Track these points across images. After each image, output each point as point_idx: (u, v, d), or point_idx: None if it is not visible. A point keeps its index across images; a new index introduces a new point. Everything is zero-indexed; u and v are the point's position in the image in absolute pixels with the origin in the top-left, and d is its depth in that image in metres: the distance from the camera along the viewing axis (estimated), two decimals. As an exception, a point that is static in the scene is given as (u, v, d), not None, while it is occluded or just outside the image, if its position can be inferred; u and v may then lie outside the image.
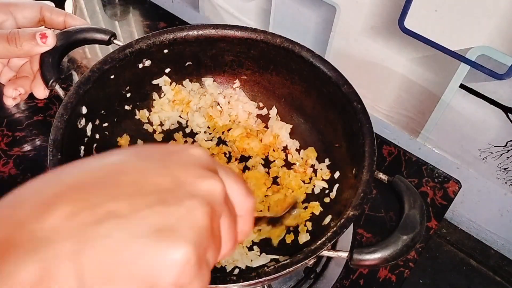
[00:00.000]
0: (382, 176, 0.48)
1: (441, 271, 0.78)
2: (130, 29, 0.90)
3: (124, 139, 0.60)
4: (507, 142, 0.64)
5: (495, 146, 0.66)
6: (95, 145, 0.57)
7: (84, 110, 0.54)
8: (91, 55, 0.85)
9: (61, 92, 0.53)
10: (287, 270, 0.41)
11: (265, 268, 0.41)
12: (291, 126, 0.63)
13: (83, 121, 0.54)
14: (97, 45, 0.87)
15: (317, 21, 0.72)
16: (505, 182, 0.69)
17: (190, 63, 0.63)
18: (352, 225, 0.55)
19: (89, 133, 0.56)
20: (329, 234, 0.44)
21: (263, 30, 0.58)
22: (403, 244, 0.41)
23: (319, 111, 0.60)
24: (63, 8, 0.89)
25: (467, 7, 0.54)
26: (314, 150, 0.60)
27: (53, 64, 0.54)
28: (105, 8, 0.94)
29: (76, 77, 0.79)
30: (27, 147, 0.71)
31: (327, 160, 0.59)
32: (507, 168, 0.67)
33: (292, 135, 0.63)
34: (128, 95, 0.61)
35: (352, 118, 0.52)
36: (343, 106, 0.54)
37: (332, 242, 0.43)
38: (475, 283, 0.77)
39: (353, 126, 0.52)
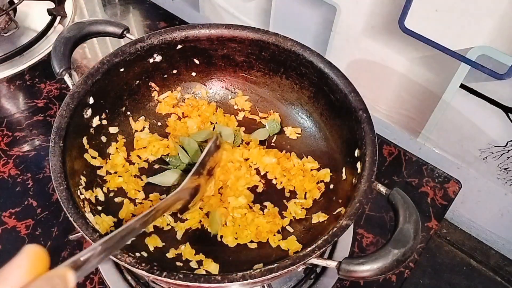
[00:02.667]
0: (380, 187, 0.48)
1: (442, 271, 0.78)
2: (130, 29, 0.90)
3: (139, 125, 0.62)
4: (507, 142, 0.64)
5: (495, 146, 0.65)
6: (100, 136, 0.57)
7: (91, 100, 0.54)
8: (91, 55, 0.85)
9: (69, 82, 0.54)
10: (273, 274, 0.41)
11: (251, 271, 0.41)
12: (299, 129, 0.63)
13: (89, 112, 0.55)
14: (97, 45, 0.87)
15: (317, 21, 0.72)
16: (506, 182, 0.69)
17: (201, 61, 0.63)
18: (352, 225, 0.55)
19: (94, 124, 0.56)
20: (319, 242, 0.43)
21: (275, 32, 0.58)
22: (393, 259, 0.41)
23: (327, 117, 0.60)
24: (63, 8, 0.89)
25: (467, 7, 0.54)
26: (315, 160, 0.60)
27: (64, 53, 0.55)
28: (105, 8, 0.94)
29: (76, 77, 0.79)
30: (27, 147, 0.71)
31: (327, 168, 0.59)
32: (507, 168, 0.67)
33: (298, 140, 0.63)
34: (137, 89, 0.61)
35: (357, 127, 0.52)
36: (349, 114, 0.54)
37: (321, 250, 0.43)
38: (476, 283, 0.77)
39: (357, 134, 0.52)
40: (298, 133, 0.63)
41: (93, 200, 0.52)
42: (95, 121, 0.56)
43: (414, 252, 0.42)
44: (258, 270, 0.41)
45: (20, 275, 0.27)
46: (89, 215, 0.47)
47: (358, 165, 0.50)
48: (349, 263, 0.41)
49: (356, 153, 0.52)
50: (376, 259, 0.41)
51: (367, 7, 0.64)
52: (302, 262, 0.42)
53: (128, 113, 0.61)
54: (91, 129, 0.56)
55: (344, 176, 0.55)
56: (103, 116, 0.58)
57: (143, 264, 0.41)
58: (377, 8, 0.63)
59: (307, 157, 0.60)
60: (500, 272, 0.79)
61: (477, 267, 0.79)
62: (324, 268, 0.61)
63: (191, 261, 0.51)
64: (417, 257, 0.63)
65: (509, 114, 0.60)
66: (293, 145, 0.62)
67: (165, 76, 0.63)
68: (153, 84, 0.63)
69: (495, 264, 0.80)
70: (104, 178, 0.56)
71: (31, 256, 0.28)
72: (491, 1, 0.52)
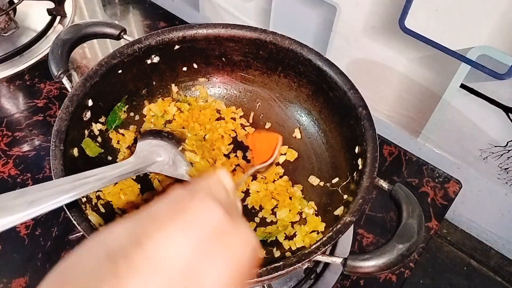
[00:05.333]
0: (382, 183, 0.48)
1: (442, 271, 0.78)
2: (130, 29, 0.90)
3: (130, 131, 0.61)
4: (507, 142, 0.64)
5: (495, 146, 0.65)
6: (98, 138, 0.57)
7: (90, 103, 0.54)
8: (91, 55, 0.85)
9: (68, 84, 0.54)
10: (279, 272, 0.41)
11: (257, 269, 0.41)
12: (298, 130, 0.63)
13: (88, 114, 0.55)
14: (97, 45, 0.87)
15: (318, 21, 0.72)
16: (506, 182, 0.69)
17: (199, 61, 0.63)
18: (352, 225, 0.55)
19: (93, 126, 0.56)
20: (324, 239, 0.43)
21: (273, 31, 0.58)
22: (398, 253, 0.41)
23: (326, 115, 0.60)
24: (63, 8, 0.89)
25: (467, 7, 0.54)
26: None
27: (61, 56, 0.55)
28: (105, 8, 0.94)
29: (76, 77, 0.79)
30: (26, 147, 0.70)
31: (329, 166, 0.59)
32: (507, 168, 0.67)
33: (298, 139, 0.63)
34: (135, 90, 0.61)
35: (357, 123, 0.52)
36: (348, 111, 0.54)
37: (326, 247, 0.43)
38: (476, 284, 0.77)
39: (357, 131, 0.52)
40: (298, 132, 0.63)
41: (95, 201, 0.52)
42: (94, 123, 0.56)
43: (419, 246, 0.42)
44: (265, 268, 0.41)
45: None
46: (91, 217, 0.47)
47: (360, 162, 0.50)
48: (354, 259, 0.41)
49: (357, 149, 0.52)
50: (381, 254, 0.41)
51: (367, 7, 0.64)
52: (307, 260, 0.42)
53: (127, 115, 0.61)
54: (91, 132, 0.56)
55: (345, 174, 0.55)
56: (102, 118, 0.58)
57: None
58: (377, 8, 0.63)
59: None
60: (500, 272, 0.79)
61: (477, 267, 0.79)
62: (324, 268, 0.61)
63: None
64: (417, 257, 0.63)
65: (509, 114, 0.60)
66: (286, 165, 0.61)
67: (163, 77, 0.63)
68: (152, 84, 0.63)
69: (495, 264, 0.79)
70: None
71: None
72: (491, 1, 0.52)
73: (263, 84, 0.64)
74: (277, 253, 0.52)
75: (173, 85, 0.64)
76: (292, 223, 0.55)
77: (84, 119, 0.54)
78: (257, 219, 0.56)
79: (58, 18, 0.88)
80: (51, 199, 0.40)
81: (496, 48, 0.55)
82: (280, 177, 0.59)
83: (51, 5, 0.89)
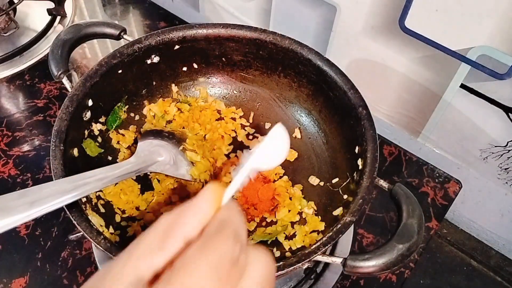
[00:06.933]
0: (382, 183, 0.48)
1: (442, 271, 0.78)
2: (130, 29, 0.90)
3: (130, 131, 0.61)
4: (507, 142, 0.64)
5: (495, 146, 0.65)
6: (98, 138, 0.57)
7: (90, 103, 0.54)
8: (91, 55, 0.85)
9: (68, 84, 0.54)
10: (279, 272, 0.41)
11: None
12: (298, 130, 0.63)
13: (88, 114, 0.55)
14: (97, 45, 0.87)
15: (317, 20, 0.72)
16: (506, 182, 0.69)
17: (199, 61, 0.63)
18: (352, 225, 0.55)
19: (93, 126, 0.56)
20: (324, 239, 0.43)
21: (272, 31, 0.58)
22: (398, 253, 0.41)
23: (326, 115, 0.60)
24: (63, 8, 0.89)
25: (467, 6, 0.54)
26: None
27: (61, 56, 0.55)
28: (105, 8, 0.94)
29: (76, 78, 0.79)
30: (26, 147, 0.71)
31: (329, 165, 0.59)
32: (507, 168, 0.67)
33: (298, 139, 0.63)
34: (135, 90, 0.61)
35: (357, 123, 0.52)
36: (348, 111, 0.54)
37: (326, 247, 0.43)
38: (476, 284, 0.77)
39: (357, 131, 0.52)
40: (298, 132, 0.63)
41: (95, 201, 0.52)
42: (94, 123, 0.56)
43: (419, 246, 0.42)
44: None
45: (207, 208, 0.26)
46: (91, 217, 0.47)
47: (360, 162, 0.50)
48: (354, 259, 0.41)
49: (357, 149, 0.52)
50: (381, 254, 0.41)
51: (367, 7, 0.64)
52: (308, 260, 0.42)
53: (127, 115, 0.61)
54: (91, 132, 0.56)
55: (345, 174, 0.55)
56: (102, 118, 0.58)
57: None
58: (377, 8, 0.63)
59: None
60: (500, 272, 0.79)
61: (477, 267, 0.79)
62: (324, 268, 0.61)
63: None
64: (417, 257, 0.63)
65: (509, 114, 0.60)
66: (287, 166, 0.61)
67: (163, 77, 0.63)
68: (152, 85, 0.63)
69: (495, 264, 0.79)
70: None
71: (215, 191, 0.27)
72: (491, 1, 0.52)
73: (263, 84, 0.64)
74: (277, 253, 0.52)
75: (173, 85, 0.64)
76: (292, 223, 0.55)
77: (84, 119, 0.54)
78: (257, 219, 0.56)
79: (58, 18, 0.88)
80: (52, 200, 0.40)
81: (496, 48, 0.55)
82: (280, 177, 0.59)
83: (51, 5, 0.89)
